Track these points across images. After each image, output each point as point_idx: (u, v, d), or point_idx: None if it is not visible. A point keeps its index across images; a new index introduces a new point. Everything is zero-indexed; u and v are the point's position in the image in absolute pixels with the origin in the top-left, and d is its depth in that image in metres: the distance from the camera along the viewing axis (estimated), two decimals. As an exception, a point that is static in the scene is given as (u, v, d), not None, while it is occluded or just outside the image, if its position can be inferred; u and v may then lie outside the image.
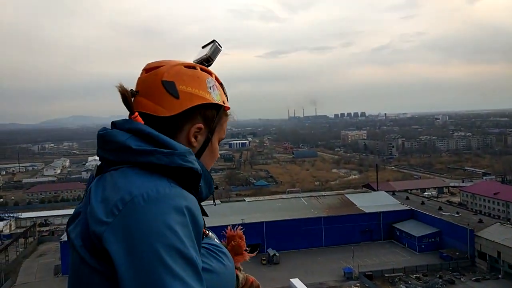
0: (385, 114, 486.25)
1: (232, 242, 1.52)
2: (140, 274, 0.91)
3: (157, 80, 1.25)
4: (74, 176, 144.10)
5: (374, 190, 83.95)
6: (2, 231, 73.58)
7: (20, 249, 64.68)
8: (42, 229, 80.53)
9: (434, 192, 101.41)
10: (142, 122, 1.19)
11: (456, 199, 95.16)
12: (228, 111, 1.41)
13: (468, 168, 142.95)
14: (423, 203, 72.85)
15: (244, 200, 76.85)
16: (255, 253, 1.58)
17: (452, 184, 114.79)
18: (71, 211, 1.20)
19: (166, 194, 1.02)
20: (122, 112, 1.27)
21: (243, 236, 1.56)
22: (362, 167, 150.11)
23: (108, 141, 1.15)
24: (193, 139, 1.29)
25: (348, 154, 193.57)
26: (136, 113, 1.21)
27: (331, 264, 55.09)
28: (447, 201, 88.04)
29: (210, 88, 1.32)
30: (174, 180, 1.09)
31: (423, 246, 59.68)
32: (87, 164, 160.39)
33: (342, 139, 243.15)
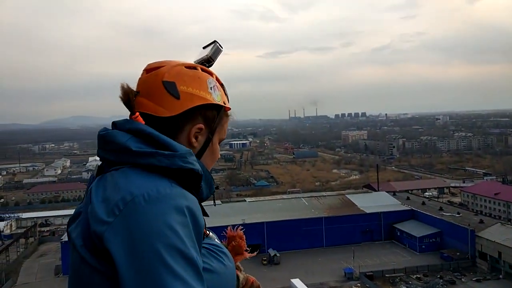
0: (386, 114, 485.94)
1: (233, 242, 1.52)
2: (141, 274, 0.92)
3: (157, 81, 1.25)
4: (74, 177, 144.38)
5: (375, 191, 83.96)
6: (2, 231, 73.56)
7: (21, 249, 64.70)
8: (42, 229, 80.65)
9: (435, 193, 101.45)
10: (143, 122, 1.19)
11: (457, 200, 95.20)
12: (228, 111, 1.41)
13: (468, 169, 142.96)
14: (423, 203, 72.81)
15: (245, 201, 76.83)
16: (255, 253, 1.57)
17: (452, 185, 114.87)
18: (71, 212, 1.21)
19: (167, 194, 1.02)
20: (123, 112, 1.27)
21: (244, 236, 1.56)
22: (363, 167, 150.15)
23: (109, 141, 1.15)
24: (193, 140, 1.29)
25: (349, 155, 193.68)
26: (137, 113, 1.21)
27: (331, 264, 55.07)
28: (448, 201, 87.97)
29: (211, 89, 1.31)
30: (175, 180, 1.09)
31: (423, 246, 59.64)
32: (87, 164, 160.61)
33: (342, 140, 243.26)
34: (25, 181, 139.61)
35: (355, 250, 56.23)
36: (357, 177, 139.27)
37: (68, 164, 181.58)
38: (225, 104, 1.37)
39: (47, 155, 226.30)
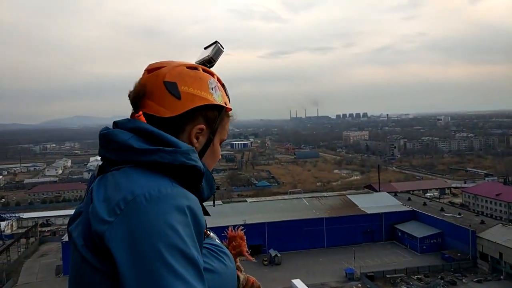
0: (387, 114, 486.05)
1: (233, 242, 1.53)
2: (142, 273, 0.92)
3: (159, 81, 1.25)
4: (75, 177, 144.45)
5: (376, 191, 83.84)
6: (3, 231, 73.57)
7: (22, 249, 64.79)
8: (43, 229, 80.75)
9: (436, 193, 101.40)
10: (145, 121, 1.20)
11: (458, 200, 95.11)
12: (230, 112, 1.41)
13: (470, 169, 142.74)
14: (425, 204, 72.74)
15: (246, 201, 76.88)
16: (255, 257, 1.58)
17: (454, 185, 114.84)
18: (72, 212, 1.22)
19: (168, 193, 1.02)
20: (123, 112, 1.28)
21: (244, 236, 1.57)
22: (364, 168, 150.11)
23: (110, 140, 1.15)
24: (194, 140, 1.28)
25: (350, 155, 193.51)
26: (140, 112, 1.22)
27: (332, 265, 55.05)
28: (449, 202, 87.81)
29: (212, 89, 1.32)
30: (176, 179, 1.10)
31: (424, 247, 59.59)
32: (88, 164, 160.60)
33: (344, 140, 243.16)
34: (26, 181, 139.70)
35: (356, 251, 56.16)
36: (358, 177, 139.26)
37: (69, 164, 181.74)
38: (226, 104, 1.37)
39: (48, 155, 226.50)
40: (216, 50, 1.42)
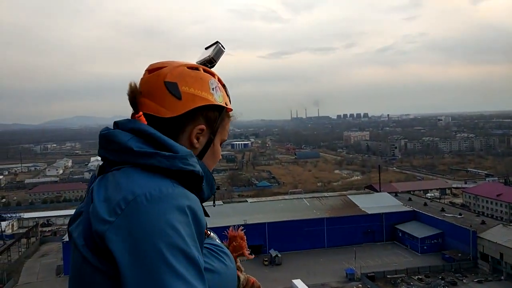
0: (388, 115, 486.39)
1: (234, 242, 1.53)
2: (143, 273, 0.92)
3: (159, 81, 1.25)
4: (76, 177, 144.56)
5: (377, 191, 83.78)
6: (4, 231, 73.61)
7: (22, 249, 64.76)
8: (44, 229, 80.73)
9: (437, 194, 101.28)
10: (146, 122, 1.19)
11: (458, 201, 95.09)
12: (230, 112, 1.41)
13: (471, 170, 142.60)
14: (425, 204, 72.67)
15: (246, 201, 76.88)
16: (254, 256, 1.58)
17: (454, 186, 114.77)
18: (73, 212, 1.23)
19: (168, 193, 1.02)
20: (124, 112, 1.28)
21: (245, 237, 1.57)
22: (365, 168, 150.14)
23: (110, 141, 1.15)
24: (195, 140, 1.28)
25: (351, 155, 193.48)
26: (141, 113, 1.22)
27: (333, 265, 55.02)
28: (450, 202, 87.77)
29: (212, 90, 1.31)
30: (177, 180, 1.09)
31: (425, 247, 59.56)
32: (89, 164, 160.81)
33: (344, 140, 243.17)
34: (27, 181, 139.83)
35: (357, 251, 56.15)
36: (359, 178, 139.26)
37: (70, 164, 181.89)
38: (227, 105, 1.37)
39: (49, 155, 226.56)
40: (217, 51, 1.43)
